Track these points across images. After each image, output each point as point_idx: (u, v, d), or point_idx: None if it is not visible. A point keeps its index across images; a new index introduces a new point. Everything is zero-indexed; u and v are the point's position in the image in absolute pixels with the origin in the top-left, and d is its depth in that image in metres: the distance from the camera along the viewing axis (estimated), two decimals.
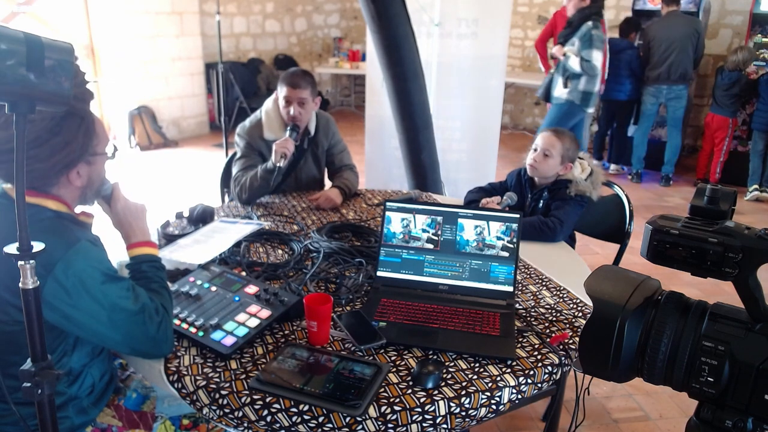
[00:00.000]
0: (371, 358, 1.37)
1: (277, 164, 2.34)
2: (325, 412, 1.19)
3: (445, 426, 1.23)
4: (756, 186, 5.28)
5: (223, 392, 1.24)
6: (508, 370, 1.34)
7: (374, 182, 4.16)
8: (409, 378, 1.30)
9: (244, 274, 1.70)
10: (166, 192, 5.02)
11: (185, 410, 1.51)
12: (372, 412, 1.19)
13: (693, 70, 5.52)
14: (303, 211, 2.39)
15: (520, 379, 1.32)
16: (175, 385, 1.29)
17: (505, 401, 1.29)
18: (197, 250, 1.85)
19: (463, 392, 1.26)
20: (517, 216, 1.68)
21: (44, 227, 1.24)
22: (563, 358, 1.40)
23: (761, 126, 5.21)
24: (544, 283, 1.81)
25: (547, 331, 1.52)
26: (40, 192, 1.28)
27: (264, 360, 1.35)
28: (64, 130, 1.25)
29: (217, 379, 1.28)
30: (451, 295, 1.67)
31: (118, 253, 1.51)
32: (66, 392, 1.34)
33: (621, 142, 5.92)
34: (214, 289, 1.59)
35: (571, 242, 2.39)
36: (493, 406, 1.27)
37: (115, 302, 1.24)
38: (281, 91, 2.47)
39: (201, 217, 2.15)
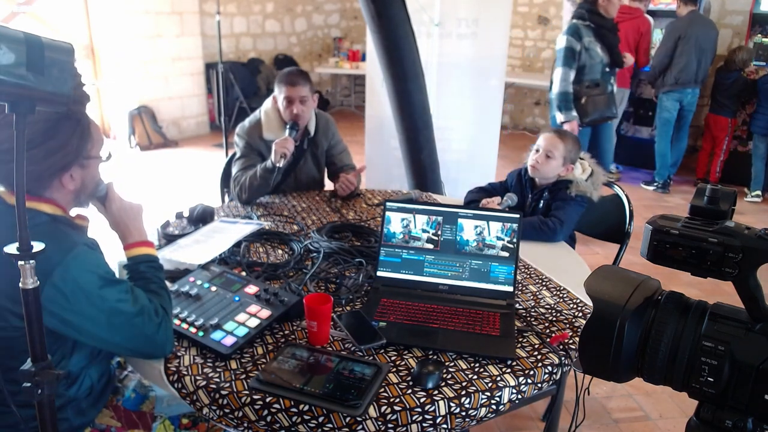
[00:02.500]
0: (371, 358, 1.37)
1: (277, 164, 2.34)
2: (325, 412, 1.19)
3: (445, 426, 1.23)
4: (758, 192, 5.24)
5: (223, 392, 1.24)
6: (508, 370, 1.34)
7: (374, 182, 4.16)
8: (409, 378, 1.30)
9: (244, 274, 1.70)
10: (166, 192, 5.02)
11: (184, 409, 1.50)
12: (372, 412, 1.19)
13: None
14: (303, 211, 2.39)
15: (520, 379, 1.32)
16: (175, 386, 1.29)
17: (505, 401, 1.29)
18: (197, 250, 1.85)
19: (463, 392, 1.26)
20: (517, 216, 1.68)
21: (41, 232, 1.21)
22: (563, 358, 1.40)
23: (761, 130, 5.16)
24: (544, 283, 1.81)
25: (547, 331, 1.52)
26: (34, 195, 1.26)
27: (264, 360, 1.35)
28: (59, 133, 1.24)
29: (217, 379, 1.28)
30: (451, 295, 1.67)
31: (116, 255, 1.51)
32: (65, 394, 1.34)
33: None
34: (214, 289, 1.58)
35: (571, 242, 2.39)
36: (493, 406, 1.27)
37: (114, 306, 1.23)
38: (280, 91, 2.46)
39: (201, 217, 2.15)
